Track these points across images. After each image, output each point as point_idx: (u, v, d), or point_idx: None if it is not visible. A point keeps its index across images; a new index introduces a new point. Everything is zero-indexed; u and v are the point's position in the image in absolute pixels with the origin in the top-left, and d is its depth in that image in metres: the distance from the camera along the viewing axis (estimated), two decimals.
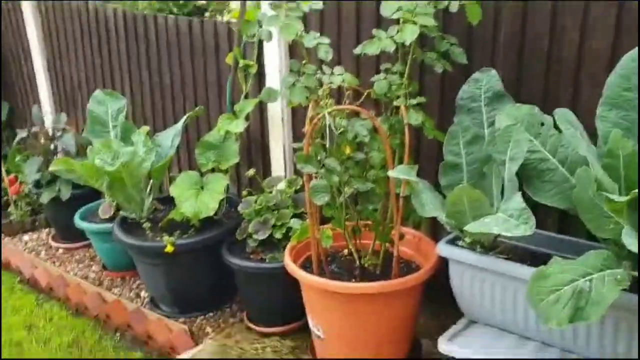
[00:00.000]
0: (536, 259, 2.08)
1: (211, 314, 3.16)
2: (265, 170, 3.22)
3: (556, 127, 1.93)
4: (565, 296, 1.56)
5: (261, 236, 2.76)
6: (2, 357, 2.98)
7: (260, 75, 3.06)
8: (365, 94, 2.22)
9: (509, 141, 1.95)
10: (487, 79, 2.20)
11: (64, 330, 3.24)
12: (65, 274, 3.66)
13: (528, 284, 1.68)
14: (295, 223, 2.24)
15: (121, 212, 3.23)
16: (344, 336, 2.31)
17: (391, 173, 1.99)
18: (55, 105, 4.55)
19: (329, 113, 2.04)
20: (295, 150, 2.35)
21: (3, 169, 4.52)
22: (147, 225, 3.01)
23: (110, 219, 3.58)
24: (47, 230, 4.41)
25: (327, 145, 2.05)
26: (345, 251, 2.59)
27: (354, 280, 2.40)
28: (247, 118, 2.94)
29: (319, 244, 2.28)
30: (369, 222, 2.42)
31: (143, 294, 3.43)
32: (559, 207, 1.96)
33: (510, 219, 1.77)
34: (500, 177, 2.02)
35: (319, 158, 2.09)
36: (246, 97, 3.08)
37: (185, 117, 3.15)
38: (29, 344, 3.13)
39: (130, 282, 3.58)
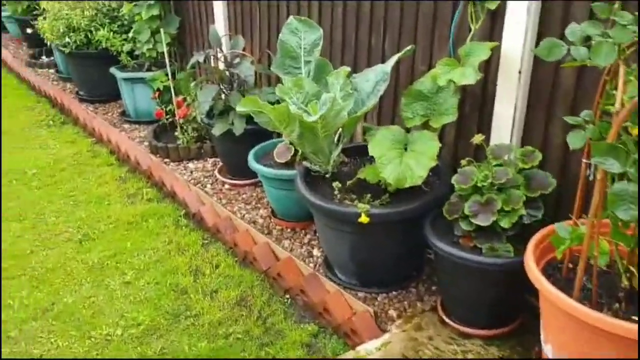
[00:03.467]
0: None
1: (394, 293, 2.71)
2: (481, 132, 2.58)
3: None
4: None
5: (482, 221, 2.19)
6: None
7: (495, 14, 2.38)
8: None
9: None
10: None
11: (231, 282, 2.96)
12: (234, 217, 3.36)
13: None
14: (561, 229, 1.63)
15: (304, 163, 2.80)
16: None
17: None
18: (229, 25, 4.15)
19: None
20: (571, 125, 1.71)
21: (172, 89, 4.28)
22: (336, 185, 2.55)
23: (286, 164, 3.20)
24: (212, 160, 4.16)
25: None
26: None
27: (618, 305, 1.79)
28: (479, 67, 2.30)
29: (594, 261, 1.67)
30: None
31: (316, 252, 3.04)
32: None
33: None
34: None
35: (626, 150, 1.44)
36: (472, 38, 2.43)
37: (396, 57, 2.57)
38: (195, 293, 2.87)
39: (301, 235, 3.21)
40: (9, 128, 5.08)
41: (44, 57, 6.77)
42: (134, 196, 3.85)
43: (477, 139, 2.27)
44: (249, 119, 3.44)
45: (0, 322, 2.71)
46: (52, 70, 6.47)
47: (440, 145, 2.38)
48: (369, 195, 2.56)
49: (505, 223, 2.16)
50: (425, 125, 2.55)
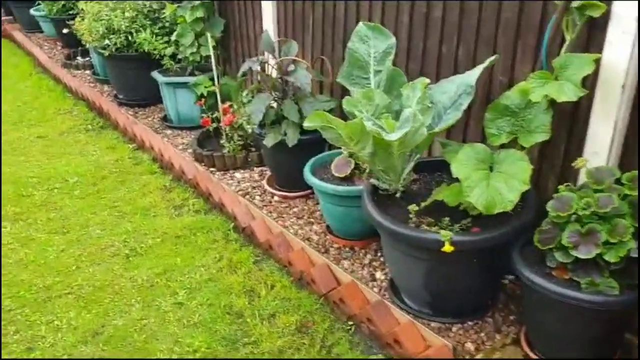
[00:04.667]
0: None
1: (470, 324, 2.50)
2: (569, 152, 2.38)
3: None
4: None
5: (583, 254, 1.97)
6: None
7: (593, 22, 2.15)
8: None
9: None
10: None
11: (289, 306, 2.77)
12: (287, 233, 3.17)
13: None
14: None
15: (371, 180, 2.60)
16: None
17: None
18: (278, 29, 3.96)
19: None
20: None
21: (218, 95, 4.12)
22: (412, 207, 2.34)
23: (344, 178, 3.01)
24: (259, 169, 3.98)
25: None
26: None
27: None
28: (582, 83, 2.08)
29: None
30: None
31: (379, 275, 2.85)
32: None
33: None
34: None
35: None
36: (566, 49, 2.21)
37: (480, 68, 2.35)
38: (251, 317, 2.70)
39: (361, 255, 3.01)
40: (47, 132, 4.96)
41: (79, 58, 6.65)
42: (180, 207, 3.68)
43: (581, 162, 2.04)
44: (301, 128, 3.27)
45: (0, 323, 2.66)
46: (88, 72, 6.34)
47: (532, 167, 2.16)
48: (447, 219, 2.35)
49: (611, 257, 1.94)
50: (509, 144, 2.33)
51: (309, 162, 3.16)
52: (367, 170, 2.79)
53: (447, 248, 2.13)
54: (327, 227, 3.22)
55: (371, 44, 2.54)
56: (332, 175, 3.08)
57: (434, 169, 2.75)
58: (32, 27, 8.03)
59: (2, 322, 2.71)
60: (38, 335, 2.62)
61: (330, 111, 3.35)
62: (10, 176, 4.13)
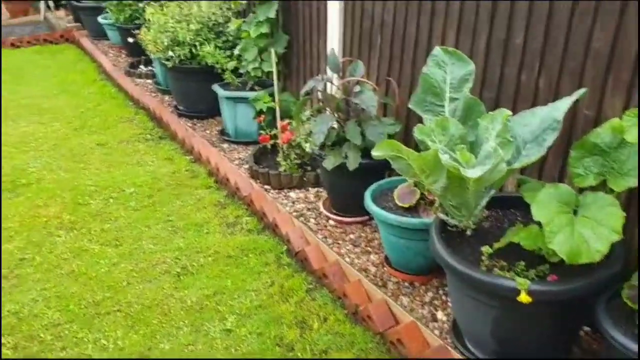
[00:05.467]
0: None
1: None
2: None
3: None
4: None
5: None
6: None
7: None
8: None
9: None
10: None
11: (343, 342, 2.62)
12: (343, 262, 3.02)
13: None
14: None
15: (440, 215, 2.43)
16: None
17: None
18: (344, 48, 3.84)
19: None
20: None
21: (277, 111, 4.03)
22: (486, 250, 2.16)
23: (408, 209, 2.85)
24: (314, 190, 3.86)
25: None
26: None
27: None
28: None
29: None
30: None
31: (440, 315, 2.66)
32: None
33: None
34: None
35: None
36: None
37: (569, 101, 2.15)
38: (303, 352, 2.56)
39: (421, 292, 2.84)
40: (107, 140, 4.98)
41: (142, 67, 6.73)
42: (233, 225, 3.59)
43: None
44: (363, 152, 3.14)
45: (0, 325, 2.65)
46: (149, 81, 6.39)
47: (623, 214, 1.94)
48: (522, 264, 2.15)
49: None
50: (595, 187, 2.12)
51: (370, 188, 3.02)
52: (435, 204, 2.61)
53: (524, 298, 1.94)
54: (386, 258, 3.06)
55: (448, 69, 2.38)
56: (394, 204, 2.92)
57: (507, 206, 2.56)
58: (99, 34, 8.20)
59: (50, 337, 2.66)
60: (84, 354, 2.56)
61: (394, 135, 3.21)
62: (68, 183, 4.15)
